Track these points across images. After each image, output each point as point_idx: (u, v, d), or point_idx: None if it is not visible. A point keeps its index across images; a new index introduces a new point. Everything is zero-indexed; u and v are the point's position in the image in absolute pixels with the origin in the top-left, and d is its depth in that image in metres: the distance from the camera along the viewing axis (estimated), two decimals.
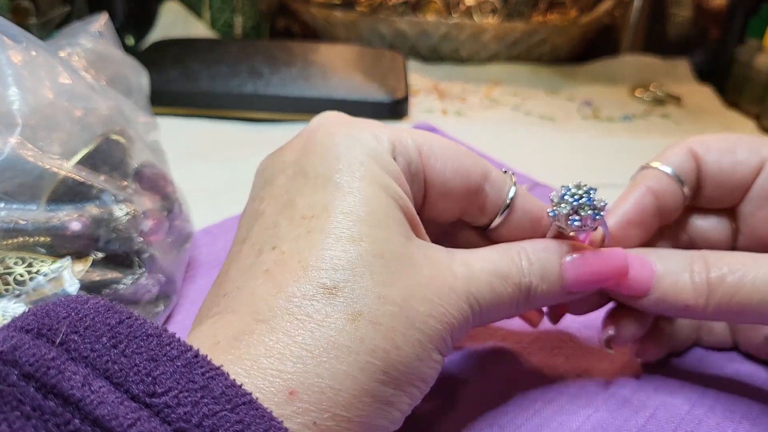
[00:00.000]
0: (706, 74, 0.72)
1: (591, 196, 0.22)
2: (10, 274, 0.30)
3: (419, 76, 0.68)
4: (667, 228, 0.29)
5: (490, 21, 0.70)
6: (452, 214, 0.23)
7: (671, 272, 0.25)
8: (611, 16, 0.77)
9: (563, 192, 0.22)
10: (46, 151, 0.35)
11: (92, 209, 0.35)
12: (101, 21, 0.47)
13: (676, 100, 0.66)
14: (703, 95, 0.67)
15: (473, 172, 0.22)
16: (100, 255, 0.28)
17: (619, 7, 0.77)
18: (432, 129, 0.52)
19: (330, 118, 0.22)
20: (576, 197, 0.22)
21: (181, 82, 0.55)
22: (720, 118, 0.62)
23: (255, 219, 0.20)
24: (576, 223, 0.22)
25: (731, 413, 0.27)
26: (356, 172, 0.19)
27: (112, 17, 0.50)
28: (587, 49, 0.77)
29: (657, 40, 0.77)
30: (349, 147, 0.20)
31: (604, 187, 0.32)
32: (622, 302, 0.27)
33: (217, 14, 0.74)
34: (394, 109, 0.56)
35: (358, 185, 0.19)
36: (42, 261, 0.31)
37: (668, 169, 0.28)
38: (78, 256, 0.28)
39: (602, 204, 0.22)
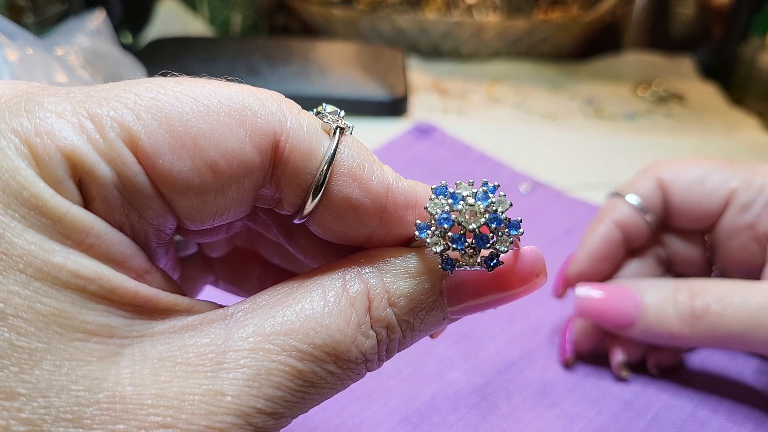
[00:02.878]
0: (709, 72, 0.72)
1: (497, 213, 0.14)
2: None
3: (419, 74, 0.67)
4: (646, 245, 0.30)
5: (491, 18, 0.69)
6: (231, 213, 0.14)
7: (656, 303, 0.25)
8: (614, 14, 0.76)
9: (445, 206, 0.14)
10: None
11: None
12: (98, 19, 0.46)
13: (680, 98, 0.65)
14: (707, 93, 0.66)
15: (249, 153, 0.13)
16: None
17: (621, 5, 0.76)
18: (432, 128, 0.52)
19: None
20: (460, 222, 0.14)
21: None
22: (724, 116, 0.61)
23: None
24: (455, 270, 0.14)
25: (734, 414, 0.26)
26: None
27: (109, 15, 0.50)
28: (590, 47, 0.76)
29: (660, 38, 0.76)
30: None
31: (606, 186, 0.32)
32: (610, 332, 0.27)
33: (215, 12, 0.73)
34: (394, 107, 0.56)
35: None
36: None
37: (634, 200, 0.29)
38: None
39: (509, 240, 0.14)
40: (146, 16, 0.69)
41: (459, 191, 0.14)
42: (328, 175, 0.14)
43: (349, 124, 0.15)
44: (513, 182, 0.46)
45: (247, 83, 0.15)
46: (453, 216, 0.14)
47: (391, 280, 0.14)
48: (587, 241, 0.29)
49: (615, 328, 0.26)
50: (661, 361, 0.28)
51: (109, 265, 0.12)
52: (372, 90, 0.55)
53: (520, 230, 0.14)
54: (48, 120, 0.12)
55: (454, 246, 0.14)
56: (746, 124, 0.59)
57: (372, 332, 0.14)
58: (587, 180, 0.47)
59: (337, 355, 0.13)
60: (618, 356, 0.28)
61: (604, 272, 0.29)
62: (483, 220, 0.14)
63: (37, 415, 0.11)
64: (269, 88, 0.15)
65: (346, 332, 0.13)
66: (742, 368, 0.29)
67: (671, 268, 0.30)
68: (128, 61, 0.48)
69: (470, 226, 0.14)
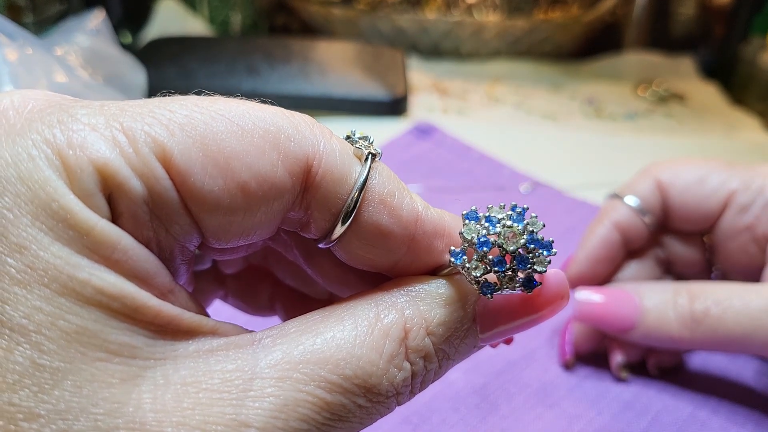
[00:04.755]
0: (710, 72, 0.71)
1: (533, 234, 0.14)
2: None
3: (419, 74, 0.67)
4: (645, 246, 0.30)
5: (492, 18, 0.69)
6: (258, 234, 0.14)
7: (656, 306, 0.25)
8: (614, 14, 0.76)
9: (481, 230, 0.14)
10: None
11: None
12: (97, 18, 0.46)
13: (680, 98, 0.65)
14: (707, 93, 0.66)
15: (281, 177, 0.13)
16: None
17: (622, 4, 0.76)
18: (432, 128, 0.52)
19: (14, 102, 0.12)
20: (500, 244, 0.14)
21: (179, 79, 0.54)
22: (724, 116, 0.61)
23: None
24: (494, 294, 0.14)
25: (735, 415, 0.26)
26: (7, 268, 0.11)
27: (109, 14, 0.49)
28: (590, 47, 0.76)
29: (660, 38, 0.76)
30: None
31: (606, 186, 0.31)
32: (609, 335, 0.27)
33: (215, 11, 0.73)
34: (394, 107, 0.56)
35: (13, 302, 0.11)
36: None
37: (633, 202, 0.28)
38: None
39: (546, 260, 0.14)
40: (146, 15, 0.69)
41: (493, 215, 0.14)
42: (359, 201, 0.14)
43: (379, 150, 0.15)
44: (513, 182, 0.46)
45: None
46: (492, 239, 0.14)
47: (427, 308, 0.14)
48: (586, 243, 0.29)
49: (615, 332, 0.26)
50: (662, 362, 0.28)
51: (134, 282, 0.12)
52: (372, 90, 0.55)
53: (553, 251, 0.14)
54: (81, 132, 0.12)
55: (496, 269, 0.14)
56: (747, 124, 0.59)
57: (406, 364, 0.14)
58: (587, 180, 0.47)
59: (368, 388, 0.13)
60: (617, 357, 0.28)
61: (603, 274, 0.29)
62: (522, 241, 0.14)
63: None
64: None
65: (378, 364, 0.13)
66: (742, 369, 0.29)
67: (671, 269, 0.30)
68: (128, 61, 0.48)
69: (510, 248, 0.14)
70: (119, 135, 0.12)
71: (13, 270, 0.11)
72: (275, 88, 0.54)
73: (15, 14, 0.52)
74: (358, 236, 0.14)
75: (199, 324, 0.13)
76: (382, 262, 0.15)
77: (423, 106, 0.59)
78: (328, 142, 0.14)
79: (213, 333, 0.13)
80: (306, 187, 0.14)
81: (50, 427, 0.11)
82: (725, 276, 0.29)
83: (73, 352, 0.11)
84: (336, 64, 0.58)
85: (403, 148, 0.49)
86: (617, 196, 0.29)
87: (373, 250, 0.14)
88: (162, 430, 0.11)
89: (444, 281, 0.15)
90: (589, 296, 0.27)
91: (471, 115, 0.59)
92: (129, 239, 0.12)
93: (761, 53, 0.64)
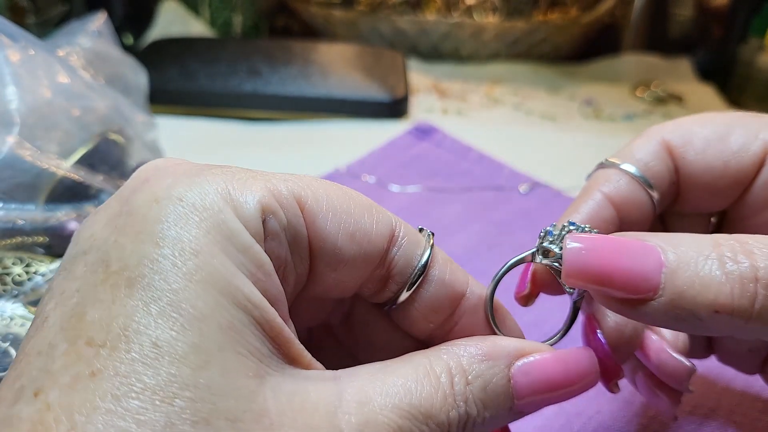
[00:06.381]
0: (707, 73, 0.72)
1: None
2: (8, 274, 0.30)
3: (419, 75, 0.68)
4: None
5: (491, 20, 0.70)
6: (347, 288, 0.17)
7: (689, 260, 0.16)
8: (612, 15, 0.76)
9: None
10: (44, 151, 0.34)
11: (90, 209, 0.35)
12: (100, 20, 0.47)
13: (678, 99, 0.65)
14: (705, 94, 0.67)
15: (376, 235, 0.16)
16: None
17: (620, 6, 0.76)
18: (432, 128, 0.52)
19: (166, 165, 0.16)
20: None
21: (180, 81, 0.54)
22: None
23: (36, 326, 0.14)
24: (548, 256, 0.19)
25: (733, 414, 0.27)
26: (183, 266, 0.13)
27: (111, 16, 0.50)
28: (588, 48, 0.76)
29: (658, 39, 0.77)
30: (180, 221, 0.14)
31: None
32: (619, 313, 0.17)
33: (216, 13, 0.74)
34: (394, 109, 0.56)
35: (185, 293, 0.13)
36: (40, 261, 0.31)
37: (632, 169, 0.21)
38: None
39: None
40: (148, 17, 0.69)
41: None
42: (430, 258, 0.17)
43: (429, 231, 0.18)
44: (513, 182, 0.46)
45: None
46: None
47: (467, 363, 0.17)
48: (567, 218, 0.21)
49: (627, 303, 0.16)
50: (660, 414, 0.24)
51: (267, 300, 0.14)
52: (372, 91, 0.56)
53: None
54: (241, 179, 0.15)
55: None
56: None
57: (454, 405, 0.16)
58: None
59: (430, 416, 0.15)
60: (686, 362, 0.21)
61: None
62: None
63: (207, 408, 0.13)
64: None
65: (435, 401, 0.15)
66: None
67: None
68: (130, 62, 0.48)
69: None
70: (268, 183, 0.15)
71: (187, 269, 0.13)
72: (276, 90, 0.54)
73: (17, 16, 0.53)
74: (423, 293, 0.17)
75: (302, 354, 0.15)
76: (433, 319, 0.18)
77: (423, 108, 0.60)
78: (396, 217, 0.18)
79: (308, 366, 0.15)
80: (389, 248, 0.17)
81: (202, 400, 0.12)
82: None
83: (224, 341, 0.13)
84: (336, 65, 0.58)
85: (402, 149, 0.50)
86: (611, 164, 0.22)
87: (435, 304, 0.17)
88: (281, 421, 0.13)
89: (481, 342, 0.17)
90: (585, 242, 0.16)
91: (470, 116, 0.59)
92: (271, 265, 0.15)
93: (759, 55, 0.65)
